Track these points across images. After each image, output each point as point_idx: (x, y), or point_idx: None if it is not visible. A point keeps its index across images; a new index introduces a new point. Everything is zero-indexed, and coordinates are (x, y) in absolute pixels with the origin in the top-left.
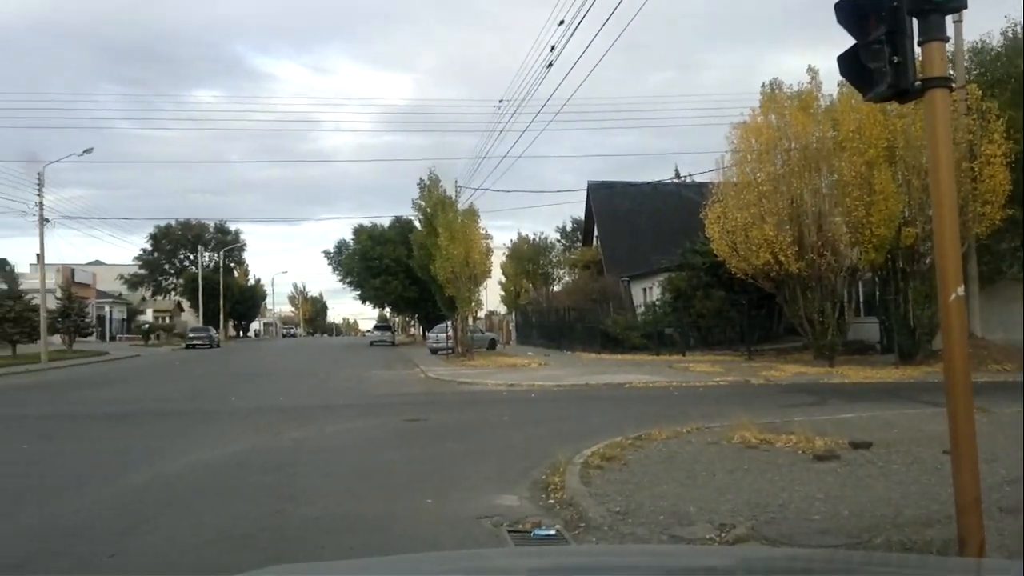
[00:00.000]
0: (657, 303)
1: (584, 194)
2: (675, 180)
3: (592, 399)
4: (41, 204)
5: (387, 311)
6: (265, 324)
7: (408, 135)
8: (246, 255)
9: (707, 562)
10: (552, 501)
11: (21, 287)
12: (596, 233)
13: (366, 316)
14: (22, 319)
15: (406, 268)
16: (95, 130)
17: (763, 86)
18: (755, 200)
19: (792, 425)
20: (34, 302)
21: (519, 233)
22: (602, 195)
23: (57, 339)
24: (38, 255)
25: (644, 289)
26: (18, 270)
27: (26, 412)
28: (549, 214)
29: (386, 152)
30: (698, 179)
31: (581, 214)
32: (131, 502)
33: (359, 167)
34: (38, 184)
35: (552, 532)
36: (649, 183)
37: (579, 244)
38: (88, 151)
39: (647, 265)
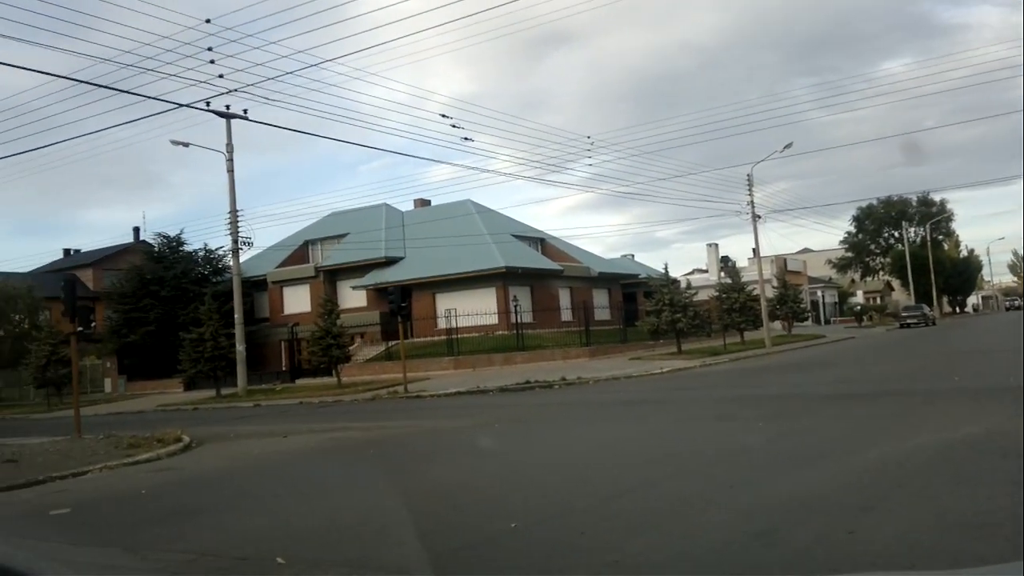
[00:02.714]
0: None
1: None
2: None
3: None
4: (752, 202)
5: None
6: (983, 297)
7: None
8: (954, 225)
9: None
10: None
11: (743, 279)
12: None
13: None
14: (746, 308)
15: None
16: (792, 125)
17: None
18: None
19: None
20: (754, 292)
21: None
22: None
23: (777, 325)
24: (754, 249)
25: None
26: (738, 264)
27: (754, 392)
28: None
29: None
30: None
31: None
32: (862, 480)
33: None
34: (748, 185)
35: None
36: None
37: None
38: (788, 146)
39: None
